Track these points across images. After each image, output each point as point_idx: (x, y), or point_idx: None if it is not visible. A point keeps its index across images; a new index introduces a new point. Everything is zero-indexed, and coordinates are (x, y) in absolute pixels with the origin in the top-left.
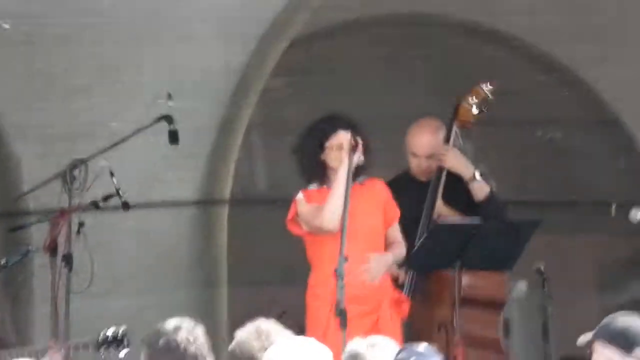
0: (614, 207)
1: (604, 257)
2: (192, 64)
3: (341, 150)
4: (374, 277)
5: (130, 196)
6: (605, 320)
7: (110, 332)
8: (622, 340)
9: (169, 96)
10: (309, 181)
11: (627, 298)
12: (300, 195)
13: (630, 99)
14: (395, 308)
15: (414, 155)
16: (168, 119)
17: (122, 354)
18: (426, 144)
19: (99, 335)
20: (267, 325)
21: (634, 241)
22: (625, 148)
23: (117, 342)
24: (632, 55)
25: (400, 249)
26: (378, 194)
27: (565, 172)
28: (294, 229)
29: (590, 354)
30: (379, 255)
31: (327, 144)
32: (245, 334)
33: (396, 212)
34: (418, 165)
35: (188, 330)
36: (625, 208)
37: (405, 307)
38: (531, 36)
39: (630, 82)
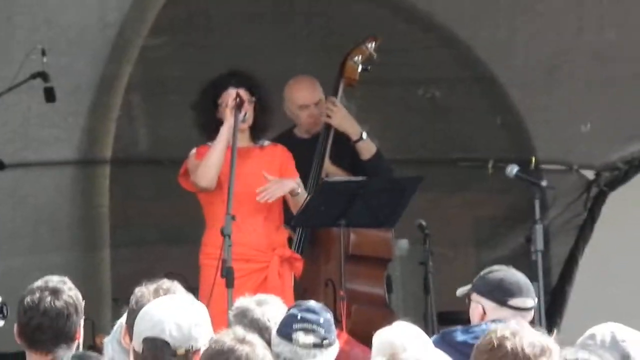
0: (491, 164)
1: (481, 213)
2: (65, 18)
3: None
4: (271, 196)
5: (4, 156)
6: (482, 273)
7: None
8: (497, 292)
9: (43, 52)
10: (208, 138)
11: (503, 253)
12: (193, 151)
13: (504, 58)
14: (286, 266)
15: (302, 107)
16: (43, 75)
17: (0, 322)
18: (311, 92)
19: None
20: (169, 284)
21: (510, 198)
22: (501, 106)
23: None
24: (505, 16)
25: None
26: (275, 158)
27: (445, 131)
28: (184, 184)
29: (468, 306)
30: (280, 179)
31: (220, 101)
32: (145, 290)
33: (294, 174)
34: (309, 115)
35: (51, 287)
36: (501, 165)
37: (299, 265)
38: None
39: (503, 42)
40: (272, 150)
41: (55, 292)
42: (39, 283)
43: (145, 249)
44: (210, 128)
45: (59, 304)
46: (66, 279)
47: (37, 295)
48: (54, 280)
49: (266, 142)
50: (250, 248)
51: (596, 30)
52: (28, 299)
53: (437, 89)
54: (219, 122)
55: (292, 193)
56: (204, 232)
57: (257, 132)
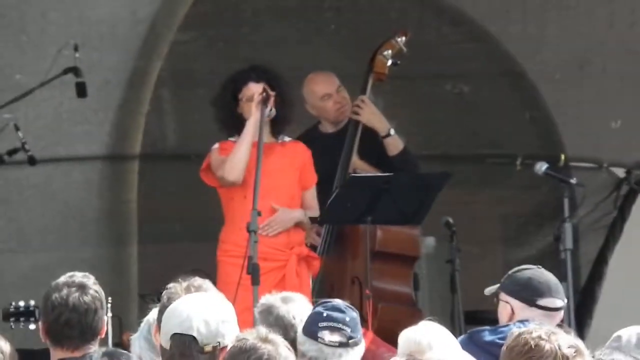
0: (519, 160)
1: (509, 210)
2: (98, 13)
3: (251, 103)
4: (274, 230)
5: (36, 151)
6: (510, 272)
7: (20, 304)
8: (526, 291)
9: (76, 47)
10: (228, 134)
11: (530, 251)
12: (215, 145)
13: (533, 53)
14: (304, 265)
15: (325, 97)
16: (75, 71)
17: (32, 326)
18: (328, 80)
19: (8, 306)
20: (200, 282)
21: (538, 195)
22: (530, 101)
23: (27, 314)
24: (535, 10)
25: (312, 214)
26: (296, 155)
27: (473, 126)
28: (206, 179)
29: (497, 305)
30: (286, 209)
31: (240, 96)
32: (177, 286)
33: (312, 178)
34: (335, 102)
35: (77, 285)
36: (529, 162)
37: (316, 264)
38: None
39: (533, 36)
40: (294, 148)
41: (82, 288)
42: (63, 279)
43: (172, 245)
44: (230, 123)
45: (86, 299)
46: (89, 274)
47: (64, 291)
48: (78, 275)
49: (287, 138)
50: (268, 246)
51: (627, 24)
52: (56, 295)
53: (466, 84)
54: (240, 117)
55: (299, 224)
56: (222, 228)
57: (278, 125)
